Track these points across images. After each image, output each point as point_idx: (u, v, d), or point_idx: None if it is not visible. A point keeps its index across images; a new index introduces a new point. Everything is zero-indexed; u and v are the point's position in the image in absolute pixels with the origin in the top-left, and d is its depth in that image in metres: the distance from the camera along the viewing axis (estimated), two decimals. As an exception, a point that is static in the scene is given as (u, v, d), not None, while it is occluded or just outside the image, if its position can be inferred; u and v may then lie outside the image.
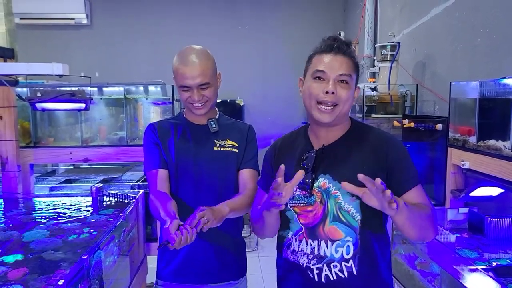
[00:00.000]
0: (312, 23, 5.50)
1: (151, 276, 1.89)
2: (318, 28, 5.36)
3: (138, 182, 2.56)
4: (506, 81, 1.76)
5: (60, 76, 1.70)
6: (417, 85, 3.28)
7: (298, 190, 1.30)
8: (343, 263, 1.24)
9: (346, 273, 1.23)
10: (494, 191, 1.97)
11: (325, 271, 1.25)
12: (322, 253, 1.25)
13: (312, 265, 1.26)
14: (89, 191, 2.03)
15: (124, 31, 5.46)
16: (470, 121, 1.95)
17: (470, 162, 1.89)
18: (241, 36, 5.57)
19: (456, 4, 2.75)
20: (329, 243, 1.25)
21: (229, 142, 1.67)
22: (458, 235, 1.94)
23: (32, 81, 3.00)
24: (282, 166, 1.16)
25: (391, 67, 3.24)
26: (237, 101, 5.43)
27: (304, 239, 1.29)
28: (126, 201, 1.97)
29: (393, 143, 1.30)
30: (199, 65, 1.54)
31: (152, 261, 2.21)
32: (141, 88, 2.38)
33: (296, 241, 1.30)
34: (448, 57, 2.88)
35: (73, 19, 5.33)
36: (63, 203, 1.98)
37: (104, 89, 2.38)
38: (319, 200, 1.27)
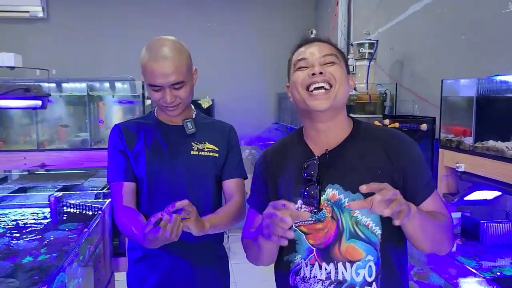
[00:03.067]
0: (283, 20, 5.37)
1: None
2: (289, 26, 5.23)
3: (103, 190, 2.28)
4: (502, 78, 1.67)
5: (12, 68, 1.45)
6: (396, 84, 3.20)
7: (303, 206, 1.09)
8: None
9: None
10: (490, 194, 1.88)
11: None
12: (340, 277, 1.06)
13: None
14: (47, 202, 1.78)
15: (85, 25, 5.10)
16: (464, 121, 1.84)
17: (466, 164, 1.79)
18: (210, 33, 5.35)
19: (437, 1, 2.68)
20: (348, 264, 1.06)
21: (208, 145, 1.47)
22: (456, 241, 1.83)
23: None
24: (293, 205, 0.93)
25: (369, 66, 3.14)
26: (206, 100, 5.22)
27: (316, 263, 1.08)
28: (90, 212, 1.74)
29: (406, 141, 1.13)
30: (172, 61, 1.31)
31: (119, 276, 1.98)
32: (107, 84, 2.13)
33: (306, 266, 1.10)
34: (428, 56, 2.80)
35: (28, 12, 4.94)
36: (15, 217, 1.72)
37: (65, 85, 2.10)
38: (330, 215, 1.08)
